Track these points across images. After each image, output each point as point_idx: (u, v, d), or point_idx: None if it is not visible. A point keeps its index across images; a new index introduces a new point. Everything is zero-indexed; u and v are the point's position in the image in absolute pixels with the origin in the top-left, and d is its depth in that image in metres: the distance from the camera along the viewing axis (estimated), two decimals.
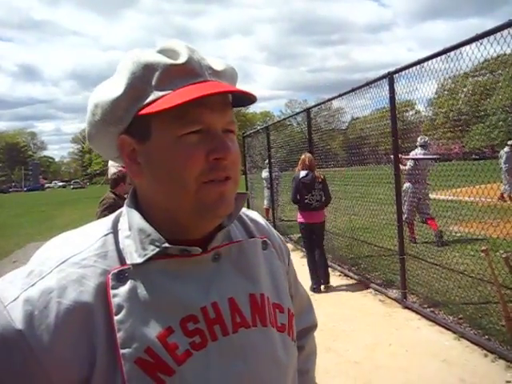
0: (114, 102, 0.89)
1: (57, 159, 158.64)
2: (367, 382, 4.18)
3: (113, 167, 5.46)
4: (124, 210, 0.98)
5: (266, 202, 13.85)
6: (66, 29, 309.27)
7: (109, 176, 5.63)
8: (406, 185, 8.53)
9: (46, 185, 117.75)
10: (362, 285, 7.18)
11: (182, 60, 0.89)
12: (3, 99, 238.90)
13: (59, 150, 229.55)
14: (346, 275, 7.81)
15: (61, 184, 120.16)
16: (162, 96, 0.87)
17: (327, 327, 5.37)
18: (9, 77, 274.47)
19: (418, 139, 8.58)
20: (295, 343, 1.07)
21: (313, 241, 7.35)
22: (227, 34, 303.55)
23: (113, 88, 0.90)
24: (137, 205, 0.97)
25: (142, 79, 0.88)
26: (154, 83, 0.88)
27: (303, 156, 7.46)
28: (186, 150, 0.87)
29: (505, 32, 4.04)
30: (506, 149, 14.15)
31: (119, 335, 0.83)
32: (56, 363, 0.80)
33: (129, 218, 0.95)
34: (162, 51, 0.91)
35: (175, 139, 0.87)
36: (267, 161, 12.88)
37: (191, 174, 0.87)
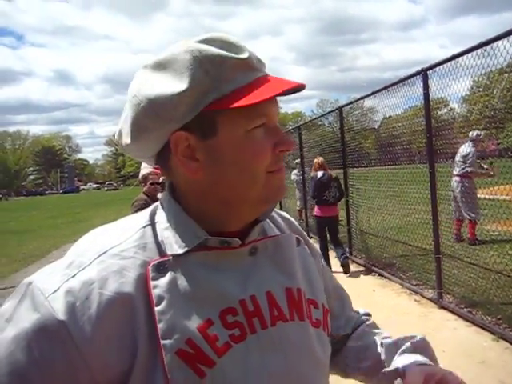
0: (177, 97, 0.84)
1: (91, 162, 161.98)
2: None
3: (145, 169, 5.49)
4: (159, 203, 0.99)
5: (298, 203, 13.85)
6: (98, 33, 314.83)
7: (139, 178, 5.68)
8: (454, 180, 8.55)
9: (81, 187, 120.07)
10: (396, 285, 7.09)
11: (245, 55, 0.88)
12: (39, 104, 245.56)
13: (93, 153, 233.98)
14: (380, 275, 7.72)
15: (95, 186, 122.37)
16: (231, 91, 0.86)
17: None
18: (44, 81, 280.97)
19: (470, 134, 8.45)
20: (329, 340, 1.06)
21: (326, 232, 8.61)
22: (256, 35, 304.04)
23: (172, 83, 0.86)
24: (175, 199, 0.96)
25: (207, 73, 0.85)
26: (218, 78, 0.85)
27: (316, 159, 8.68)
28: (256, 144, 0.89)
29: None
30: None
31: (160, 326, 0.82)
32: (97, 354, 0.80)
33: (167, 211, 0.95)
34: (222, 47, 0.88)
35: (245, 134, 0.88)
36: (297, 160, 12.86)
37: (261, 166, 0.89)
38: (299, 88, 0.93)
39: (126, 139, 0.93)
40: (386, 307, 6.14)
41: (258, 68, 0.91)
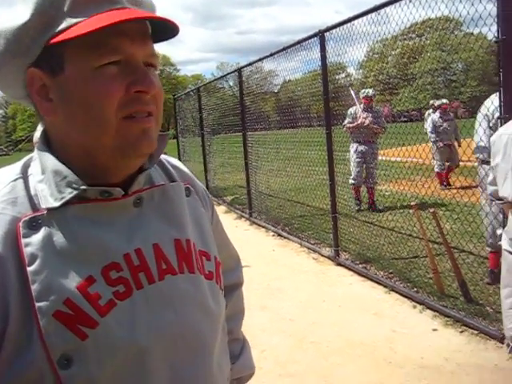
0: (20, 29, 0.80)
1: None
2: (302, 338, 4.25)
3: (40, 131, 5.19)
4: (35, 154, 0.89)
5: None
6: None
7: (34, 140, 5.37)
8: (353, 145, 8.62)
9: None
10: (295, 244, 7.26)
11: None
12: None
13: None
14: (279, 235, 7.87)
15: None
16: (76, 23, 0.78)
17: (262, 286, 5.40)
18: None
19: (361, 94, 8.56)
20: (223, 292, 1.04)
21: None
22: None
23: (17, 15, 0.81)
24: (50, 148, 0.88)
25: (52, 3, 0.79)
26: (66, 9, 0.79)
27: None
28: (105, 82, 0.79)
29: None
30: (430, 110, 14.14)
31: (34, 287, 0.76)
32: None
33: (41, 161, 0.86)
34: None
35: (92, 71, 0.79)
36: None
37: (110, 107, 0.79)
38: (174, 30, 0.87)
39: None
40: (286, 266, 6.28)
41: (116, 0, 0.82)
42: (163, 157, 1.06)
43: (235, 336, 1.26)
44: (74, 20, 0.79)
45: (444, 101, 11.61)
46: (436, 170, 10.77)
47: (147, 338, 0.83)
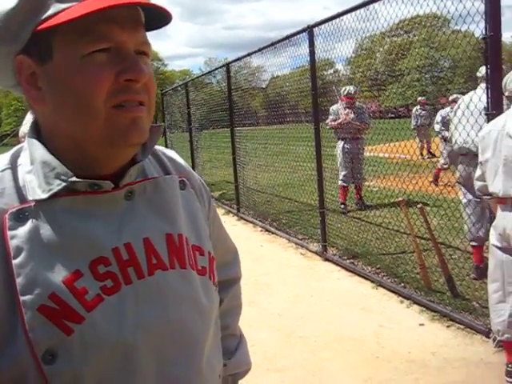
0: (7, 15, 0.78)
1: None
2: (290, 333, 4.26)
3: (28, 124, 5.10)
4: (25, 144, 0.87)
5: None
6: None
7: (19, 135, 5.30)
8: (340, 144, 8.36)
9: None
10: (283, 239, 7.27)
11: None
12: None
13: None
14: (267, 230, 7.88)
15: None
16: (64, 9, 0.76)
17: (250, 281, 5.39)
18: None
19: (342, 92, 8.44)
20: (217, 288, 1.01)
21: None
22: None
23: (4, 1, 0.78)
24: (40, 137, 0.86)
25: None
26: None
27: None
28: (93, 69, 0.77)
29: None
30: (417, 107, 14.13)
31: (19, 281, 0.75)
32: None
33: (30, 152, 0.84)
34: None
35: (80, 58, 0.77)
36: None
37: (99, 96, 0.77)
38: (166, 18, 0.85)
39: None
40: (274, 261, 6.29)
41: None
42: (159, 148, 1.03)
43: (232, 331, 1.25)
44: (63, 5, 0.77)
45: (458, 96, 11.10)
46: (439, 166, 10.28)
47: (135, 334, 0.81)
